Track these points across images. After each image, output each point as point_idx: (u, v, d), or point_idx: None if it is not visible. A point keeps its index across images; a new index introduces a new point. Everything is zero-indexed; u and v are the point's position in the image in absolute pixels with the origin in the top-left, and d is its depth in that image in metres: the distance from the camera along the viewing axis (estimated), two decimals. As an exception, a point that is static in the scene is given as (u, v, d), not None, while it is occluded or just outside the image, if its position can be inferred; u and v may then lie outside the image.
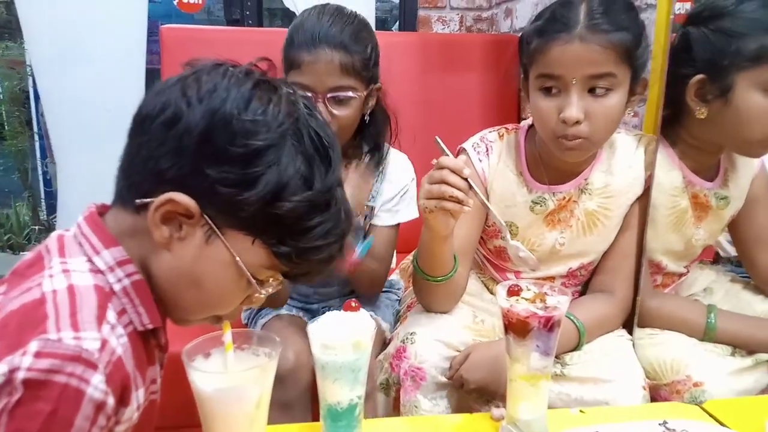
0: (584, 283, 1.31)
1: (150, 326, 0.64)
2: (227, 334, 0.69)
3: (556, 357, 1.15)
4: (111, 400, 0.56)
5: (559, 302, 0.86)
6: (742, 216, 1.31)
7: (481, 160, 1.23)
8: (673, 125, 1.23)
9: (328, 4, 1.28)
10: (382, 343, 1.27)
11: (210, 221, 0.62)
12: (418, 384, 1.10)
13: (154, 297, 0.65)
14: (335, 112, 1.20)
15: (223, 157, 0.60)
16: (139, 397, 0.63)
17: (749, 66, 1.09)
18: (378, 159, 1.32)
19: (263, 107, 0.61)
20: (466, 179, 0.99)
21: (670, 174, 1.23)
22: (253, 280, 0.65)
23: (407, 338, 1.13)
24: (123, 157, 0.65)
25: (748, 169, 1.27)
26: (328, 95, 1.19)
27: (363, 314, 0.88)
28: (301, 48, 1.18)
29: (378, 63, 1.27)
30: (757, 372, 1.15)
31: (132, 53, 2.35)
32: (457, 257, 1.13)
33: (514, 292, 0.88)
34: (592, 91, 1.06)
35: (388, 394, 1.16)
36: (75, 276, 0.61)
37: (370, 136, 1.32)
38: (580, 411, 1.02)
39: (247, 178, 0.60)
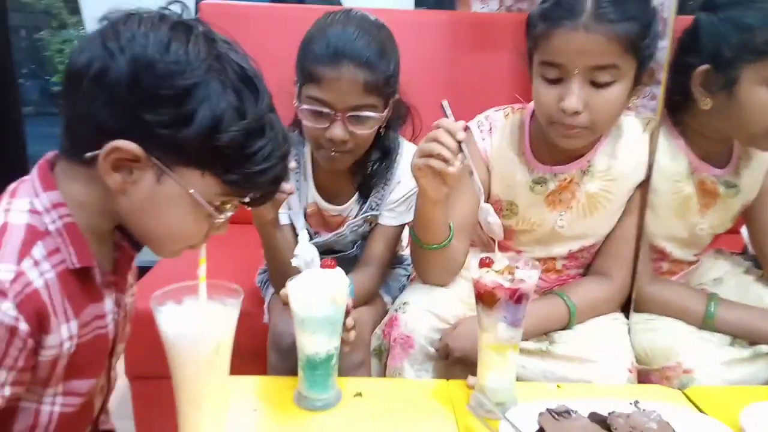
0: (587, 266, 1.31)
1: (78, 265, 0.70)
2: (202, 267, 0.74)
3: (545, 334, 1.17)
4: (23, 326, 0.64)
5: (527, 276, 0.88)
6: (756, 207, 1.28)
7: (483, 139, 1.24)
8: (680, 112, 1.21)
9: (351, 10, 1.21)
10: (383, 315, 1.30)
11: (158, 162, 0.67)
12: (407, 352, 1.13)
13: (125, 236, 0.75)
14: (354, 130, 1.14)
15: (155, 100, 0.64)
16: (71, 328, 0.70)
17: (756, 59, 1.07)
18: (388, 164, 1.28)
19: (183, 47, 0.65)
20: (459, 142, 0.99)
21: (675, 159, 1.22)
22: (210, 208, 0.71)
23: (400, 307, 1.17)
24: (63, 116, 0.70)
25: (763, 159, 1.24)
26: (348, 114, 1.13)
27: (339, 272, 0.93)
28: (322, 62, 1.11)
29: (399, 74, 1.22)
30: (755, 364, 1.13)
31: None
32: (452, 227, 1.15)
33: (485, 263, 0.91)
34: (594, 81, 1.05)
35: (380, 360, 1.20)
36: (12, 215, 0.68)
37: (382, 144, 1.27)
38: (557, 386, 1.04)
39: (182, 116, 0.65)
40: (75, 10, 3.72)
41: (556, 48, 1.05)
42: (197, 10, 2.00)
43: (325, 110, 1.13)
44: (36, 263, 0.67)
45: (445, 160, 0.99)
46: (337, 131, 1.14)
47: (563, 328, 1.18)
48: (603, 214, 1.22)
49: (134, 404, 1.52)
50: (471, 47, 1.99)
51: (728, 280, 1.34)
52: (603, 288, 1.23)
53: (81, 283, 0.72)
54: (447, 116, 1.02)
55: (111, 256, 0.80)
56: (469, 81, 1.97)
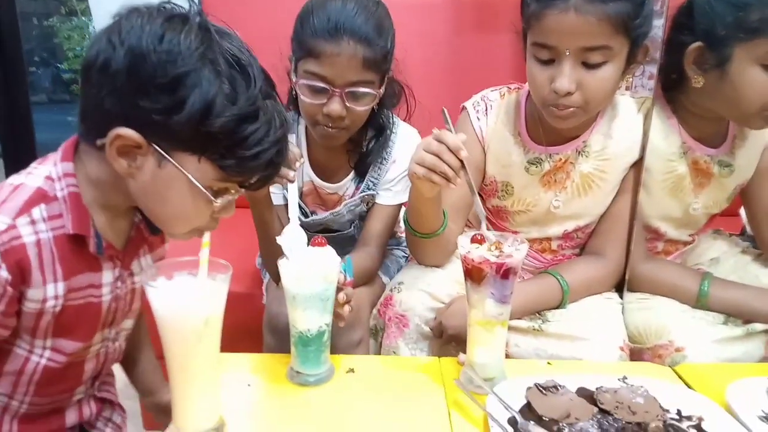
0: (582, 246, 1.32)
1: (71, 231, 0.74)
2: (204, 250, 0.77)
3: (538, 313, 1.18)
4: (4, 273, 0.70)
5: (514, 251, 0.89)
6: (752, 187, 1.28)
7: (479, 119, 1.24)
8: (674, 90, 1.21)
9: None
10: (381, 295, 1.30)
11: (157, 148, 0.71)
12: (401, 331, 1.15)
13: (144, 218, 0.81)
14: (351, 106, 1.15)
15: (150, 88, 0.68)
16: (57, 288, 0.75)
17: (748, 38, 1.06)
18: (383, 142, 1.29)
19: (176, 38, 0.68)
20: (461, 160, 0.98)
21: (668, 138, 1.21)
22: (207, 192, 0.74)
23: (395, 287, 1.18)
24: (79, 105, 0.75)
25: (759, 138, 1.24)
26: (346, 90, 1.14)
27: (329, 249, 0.94)
28: (321, 36, 1.11)
29: (394, 51, 1.22)
30: (749, 342, 1.13)
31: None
32: (446, 214, 1.16)
33: (476, 240, 0.92)
34: (586, 62, 1.04)
35: (375, 339, 1.22)
36: (30, 177, 0.75)
37: (376, 122, 1.28)
38: (548, 363, 1.05)
39: (175, 103, 0.68)
40: (84, -3, 3.76)
41: (548, 29, 1.05)
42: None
43: (324, 86, 1.13)
44: (33, 222, 0.72)
45: (447, 177, 0.98)
46: (335, 107, 1.14)
47: (556, 307, 1.19)
48: (597, 194, 1.23)
49: (139, 383, 1.56)
50: (473, 28, 1.98)
51: (725, 260, 1.34)
52: (597, 267, 1.24)
53: (77, 250, 0.76)
54: (447, 123, 1.01)
55: (126, 233, 0.85)
56: (471, 62, 1.96)
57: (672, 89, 1.21)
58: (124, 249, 0.84)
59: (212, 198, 0.75)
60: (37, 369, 0.80)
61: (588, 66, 1.05)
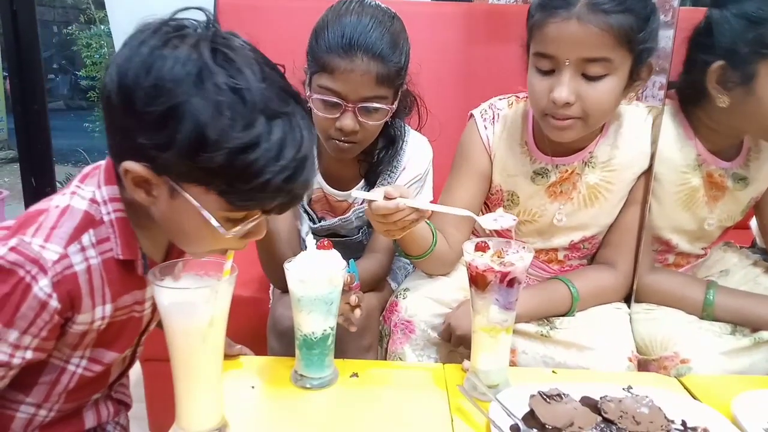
0: (590, 256, 1.31)
1: (122, 257, 0.75)
2: (228, 262, 0.77)
3: (547, 319, 1.17)
4: (54, 303, 0.69)
5: (519, 259, 0.89)
6: (766, 200, 1.26)
7: (486, 128, 1.25)
8: (693, 107, 1.19)
9: (365, 0, 1.18)
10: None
11: (168, 179, 0.69)
12: (408, 337, 1.15)
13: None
14: (364, 121, 1.15)
15: (143, 123, 0.66)
16: (105, 310, 0.76)
17: None
18: (393, 153, 1.29)
19: (164, 66, 0.65)
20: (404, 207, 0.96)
21: (683, 150, 1.20)
22: (216, 223, 0.71)
23: (400, 294, 1.19)
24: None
25: None
26: (359, 105, 1.13)
27: (334, 253, 0.95)
28: (336, 52, 1.10)
29: (408, 65, 1.21)
30: (756, 354, 1.12)
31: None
32: (435, 232, 1.16)
33: (480, 248, 0.92)
34: (586, 74, 1.04)
35: (381, 344, 1.22)
36: (75, 199, 0.74)
37: (389, 133, 1.28)
38: (553, 371, 1.05)
39: (165, 138, 0.65)
40: (102, 5, 3.81)
41: (549, 38, 1.05)
42: (216, 5, 2.04)
43: (337, 101, 1.13)
44: (83, 249, 0.72)
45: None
46: (348, 121, 1.15)
47: (565, 314, 1.19)
48: (604, 205, 1.22)
49: (146, 386, 1.57)
50: (486, 38, 1.99)
51: (735, 272, 1.33)
52: (607, 276, 1.23)
53: (124, 272, 0.77)
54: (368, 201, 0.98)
55: (164, 247, 0.86)
56: (482, 72, 1.97)
57: (688, 104, 1.19)
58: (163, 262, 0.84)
59: (222, 230, 0.72)
60: (73, 379, 0.81)
61: (588, 78, 1.04)
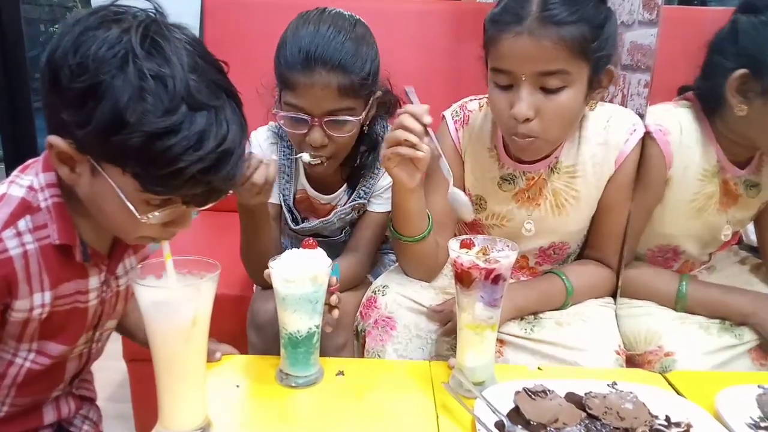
0: (560, 262, 1.29)
1: (58, 242, 0.75)
2: (165, 245, 0.77)
3: (534, 315, 1.17)
4: None
5: (503, 257, 0.89)
6: None
7: (457, 130, 1.23)
8: (710, 115, 1.17)
9: (326, 10, 1.17)
10: None
11: (89, 158, 0.70)
12: (389, 334, 1.14)
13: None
14: (333, 134, 1.14)
15: (66, 100, 0.67)
16: (44, 297, 0.76)
17: None
18: (376, 156, 1.27)
19: (92, 46, 0.66)
20: (425, 125, 0.98)
21: (705, 155, 1.18)
22: (129, 205, 0.71)
23: (378, 290, 1.17)
24: None
25: None
26: (325, 119, 1.13)
27: (320, 252, 0.95)
28: (294, 68, 1.10)
29: (379, 71, 1.21)
30: (739, 348, 1.13)
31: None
32: (431, 219, 1.14)
33: (466, 245, 0.92)
34: (544, 87, 1.02)
35: (357, 340, 1.21)
36: (13, 187, 0.75)
37: (368, 138, 1.27)
38: (538, 368, 1.05)
39: (84, 115, 0.66)
40: (88, 3, 3.78)
41: (503, 54, 1.03)
42: (202, 2, 2.03)
43: (302, 116, 1.13)
44: (19, 234, 0.72)
45: (413, 145, 0.99)
46: (316, 136, 1.14)
47: (559, 308, 1.19)
48: (571, 212, 1.20)
49: (131, 387, 1.55)
50: (474, 37, 1.98)
51: (722, 269, 1.33)
52: (600, 270, 1.23)
53: (63, 259, 0.77)
54: (412, 102, 1.01)
55: (110, 238, 0.85)
56: (471, 71, 1.96)
57: (709, 110, 1.17)
58: (109, 254, 0.84)
59: (136, 213, 0.71)
60: (20, 372, 0.81)
61: (546, 91, 1.02)
